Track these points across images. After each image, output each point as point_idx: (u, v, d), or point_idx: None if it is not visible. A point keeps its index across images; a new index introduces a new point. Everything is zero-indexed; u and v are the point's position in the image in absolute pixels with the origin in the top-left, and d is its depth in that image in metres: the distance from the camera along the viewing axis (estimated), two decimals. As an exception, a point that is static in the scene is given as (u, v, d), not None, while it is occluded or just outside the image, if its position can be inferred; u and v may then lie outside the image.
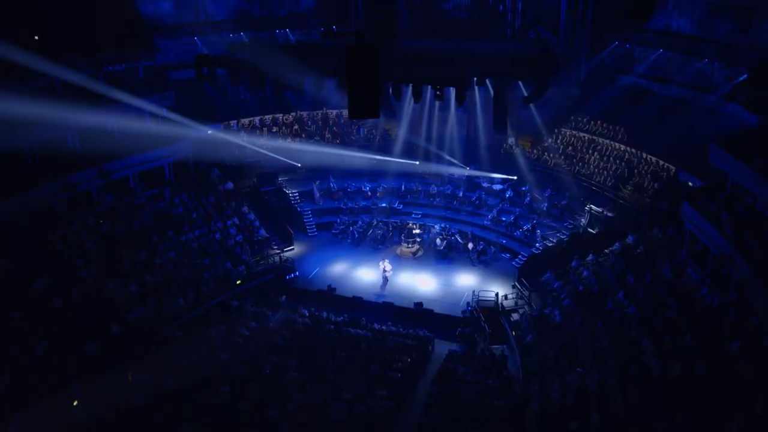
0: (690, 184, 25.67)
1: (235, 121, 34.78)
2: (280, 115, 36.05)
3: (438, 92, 17.31)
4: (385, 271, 26.81)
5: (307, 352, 21.79)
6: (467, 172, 33.32)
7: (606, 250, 25.01)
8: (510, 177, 32.14)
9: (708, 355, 17.30)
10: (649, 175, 28.29)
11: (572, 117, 33.88)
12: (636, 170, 28.90)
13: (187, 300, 24.60)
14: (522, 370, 20.50)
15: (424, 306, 24.93)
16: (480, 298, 24.60)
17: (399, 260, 29.07)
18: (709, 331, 18.27)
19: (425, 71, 16.13)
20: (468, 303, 24.89)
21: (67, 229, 24.85)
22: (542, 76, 18.05)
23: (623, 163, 29.68)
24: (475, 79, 20.66)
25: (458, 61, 16.96)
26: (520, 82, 27.33)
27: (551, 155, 32.66)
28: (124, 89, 26.31)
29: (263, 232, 29.93)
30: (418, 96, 17.15)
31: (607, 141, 31.45)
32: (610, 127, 31.85)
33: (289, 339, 22.83)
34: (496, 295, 24.63)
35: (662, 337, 18.80)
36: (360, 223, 31.68)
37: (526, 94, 25.92)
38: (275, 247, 29.74)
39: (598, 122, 32.52)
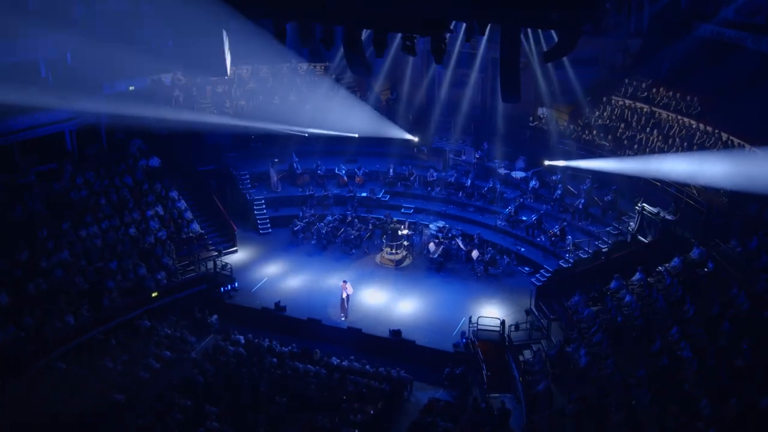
0: (786, 179, 24.51)
1: (168, 76, 33.90)
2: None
3: (408, 42, 16.06)
4: (345, 293, 26.01)
5: (235, 395, 21.17)
6: (479, 152, 32.65)
7: (660, 267, 23.97)
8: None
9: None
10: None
11: (627, 80, 32.78)
12: (711, 156, 27.55)
13: (79, 318, 23.94)
14: (527, 430, 19.56)
15: (403, 335, 24.43)
16: (480, 326, 23.92)
17: (377, 271, 28.54)
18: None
19: (384, 11, 14.77)
20: (463, 333, 24.15)
21: None
22: (570, 21, 16.56)
23: (694, 146, 28.38)
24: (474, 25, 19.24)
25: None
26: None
27: (595, 132, 31.58)
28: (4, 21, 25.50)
29: (196, 226, 29.35)
30: (380, 48, 15.93)
31: (674, 115, 30.25)
32: (679, 95, 30.68)
33: (213, 375, 22.26)
34: (502, 323, 23.90)
35: (728, 397, 17.60)
36: (329, 218, 31.13)
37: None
38: (211, 248, 29.17)
39: (662, 89, 31.37)
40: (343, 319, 25.58)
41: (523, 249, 28.92)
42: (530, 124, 33.35)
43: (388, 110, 35.46)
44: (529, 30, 29.23)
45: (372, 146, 33.99)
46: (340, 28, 16.33)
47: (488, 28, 29.17)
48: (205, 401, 20.75)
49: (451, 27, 17.16)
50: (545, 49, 29.05)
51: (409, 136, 33.74)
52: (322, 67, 36.91)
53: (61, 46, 28.64)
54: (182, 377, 22.16)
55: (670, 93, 31.05)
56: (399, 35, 16.22)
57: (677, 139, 29.16)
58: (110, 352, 22.97)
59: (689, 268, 23.30)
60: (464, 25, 18.31)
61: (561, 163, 30.55)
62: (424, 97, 35.70)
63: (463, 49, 32.95)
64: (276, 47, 31.37)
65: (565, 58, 30.27)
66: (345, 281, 25.89)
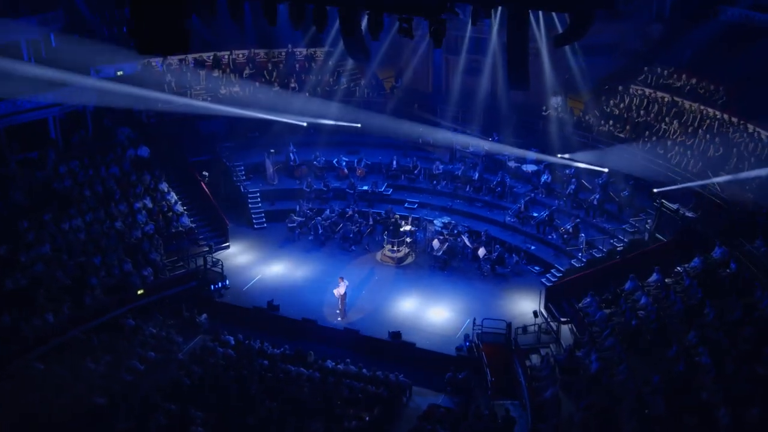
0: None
1: (160, 60, 33.90)
2: (225, 54, 35.23)
3: (405, 25, 15.87)
4: (338, 291, 25.98)
5: (223, 399, 21.02)
6: (488, 144, 32.48)
7: (679, 268, 23.78)
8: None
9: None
10: (753, 158, 26.62)
11: (647, 68, 32.68)
12: (736, 149, 27.39)
13: (59, 316, 23.81)
14: (533, 441, 19.39)
15: (403, 337, 24.40)
16: (485, 329, 23.76)
17: (377, 269, 28.56)
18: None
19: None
20: (467, 336, 24.06)
21: None
22: (581, 3, 16.38)
23: (717, 139, 28.20)
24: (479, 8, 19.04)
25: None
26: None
27: (611, 124, 31.46)
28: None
29: (186, 220, 29.34)
30: (376, 30, 15.76)
31: (697, 105, 30.14)
32: (703, 83, 30.60)
33: (200, 378, 22.12)
34: (508, 326, 23.81)
35: (747, 406, 17.39)
36: (328, 212, 31.12)
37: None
38: (202, 243, 29.13)
39: (684, 77, 31.27)
40: (339, 320, 25.50)
41: (533, 247, 28.90)
42: (543, 114, 33.23)
43: (392, 98, 35.36)
44: (540, 13, 29.07)
45: (374, 137, 33.87)
46: (335, 9, 16.20)
47: (498, 11, 29.14)
48: (191, 405, 20.56)
49: (456, 10, 17.01)
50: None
51: (413, 126, 33.59)
52: (322, 53, 36.81)
53: (45, 27, 28.59)
54: (168, 379, 22.00)
55: (693, 81, 30.98)
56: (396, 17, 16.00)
57: (699, 131, 28.93)
58: (92, 353, 22.78)
59: (710, 268, 23.06)
60: (470, 7, 18.16)
61: (567, 155, 30.56)
62: (431, 84, 35.64)
63: (472, 33, 32.83)
64: (273, 31, 31.56)
65: (580, 45, 30.21)
66: (342, 278, 25.85)
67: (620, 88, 32.80)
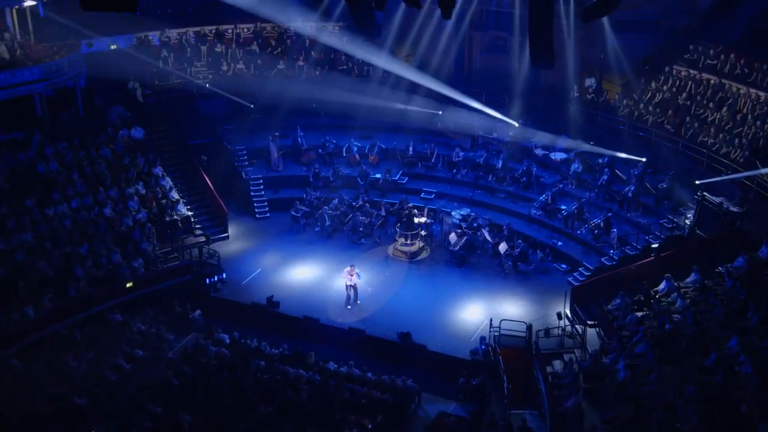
0: None
1: (156, 33, 34.14)
2: (229, 28, 35.31)
3: (411, -6, 15.66)
4: (350, 281, 26.09)
5: (214, 401, 21.08)
6: (513, 130, 32.43)
7: (720, 268, 23.48)
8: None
9: None
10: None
11: (692, 47, 32.35)
12: (788, 138, 27.04)
13: (40, 309, 23.92)
14: (552, 455, 19.41)
15: (413, 339, 24.34)
16: (503, 331, 23.67)
17: (388, 264, 28.64)
18: None
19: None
20: (483, 338, 23.95)
21: None
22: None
23: (767, 126, 27.64)
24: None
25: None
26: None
27: (651, 108, 31.14)
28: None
29: (182, 208, 29.46)
30: (380, 1, 15.62)
31: (745, 88, 29.64)
32: (754, 64, 30.05)
33: (190, 378, 22.20)
34: (529, 328, 23.72)
35: None
36: (336, 202, 31.17)
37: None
38: (198, 233, 29.28)
39: (733, 57, 30.80)
40: (348, 308, 25.72)
41: (559, 243, 28.85)
42: (574, 97, 32.98)
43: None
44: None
45: (389, 120, 33.84)
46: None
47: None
48: (179, 408, 20.64)
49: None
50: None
51: (432, 109, 33.48)
52: (336, 27, 36.73)
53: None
54: (155, 379, 22.08)
55: (743, 62, 30.45)
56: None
57: (749, 117, 28.45)
58: (74, 349, 22.91)
59: (756, 268, 22.68)
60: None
61: (599, 143, 30.13)
62: (453, 63, 35.45)
63: (495, 7, 32.58)
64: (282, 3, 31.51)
65: (618, 21, 29.86)
66: (352, 266, 25.97)
67: (666, 69, 32.55)
